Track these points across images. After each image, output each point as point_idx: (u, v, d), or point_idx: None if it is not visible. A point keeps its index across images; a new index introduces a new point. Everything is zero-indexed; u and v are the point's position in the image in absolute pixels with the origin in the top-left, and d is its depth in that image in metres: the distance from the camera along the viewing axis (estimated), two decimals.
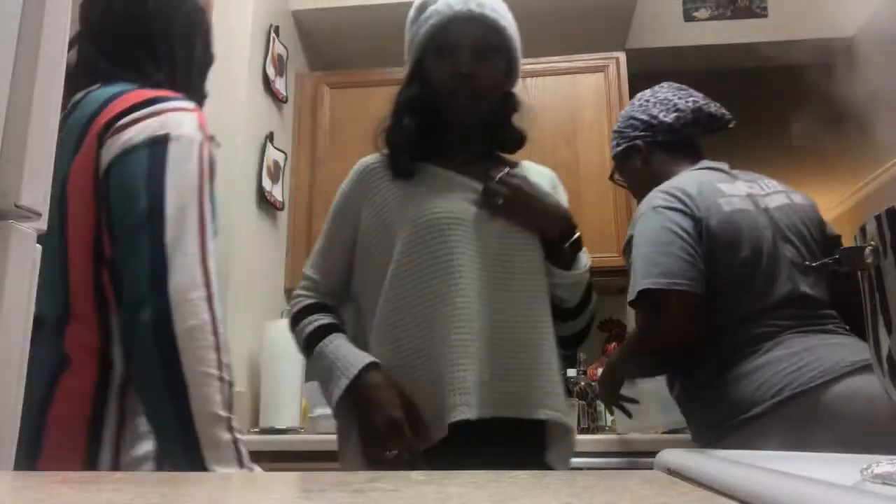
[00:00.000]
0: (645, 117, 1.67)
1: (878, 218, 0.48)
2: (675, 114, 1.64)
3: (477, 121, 1.28)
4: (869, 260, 0.48)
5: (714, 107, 1.66)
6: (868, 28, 2.91)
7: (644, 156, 1.67)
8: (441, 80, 1.23)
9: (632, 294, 1.44)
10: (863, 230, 0.50)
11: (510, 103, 1.33)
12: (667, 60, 3.15)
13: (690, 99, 1.66)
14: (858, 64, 3.12)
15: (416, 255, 1.17)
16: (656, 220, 1.46)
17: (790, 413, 1.29)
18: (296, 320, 1.26)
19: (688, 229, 1.43)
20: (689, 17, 3.11)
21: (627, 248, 1.54)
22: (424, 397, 1.12)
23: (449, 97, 1.23)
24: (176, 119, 0.98)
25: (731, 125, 1.66)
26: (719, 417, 1.40)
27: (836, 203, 5.64)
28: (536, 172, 1.36)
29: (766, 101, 3.78)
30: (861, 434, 1.20)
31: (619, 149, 1.72)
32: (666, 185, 1.54)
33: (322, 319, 1.23)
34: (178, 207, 0.91)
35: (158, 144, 0.94)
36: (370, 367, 1.13)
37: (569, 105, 2.63)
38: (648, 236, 1.45)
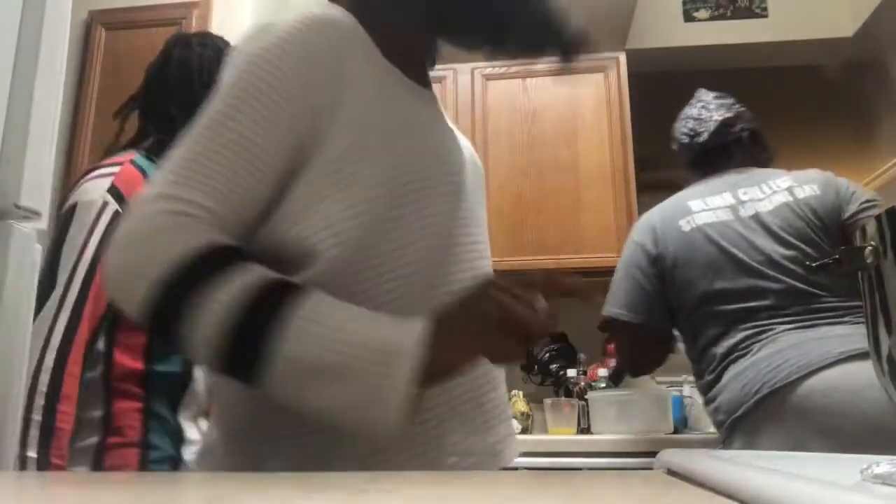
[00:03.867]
0: (675, 133, 1.80)
1: (878, 218, 0.48)
2: (684, 135, 1.76)
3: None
4: (869, 260, 0.48)
5: (705, 131, 1.71)
6: (868, 28, 2.91)
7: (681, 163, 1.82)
8: None
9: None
10: (863, 230, 0.50)
11: None
12: (667, 61, 3.15)
13: (690, 122, 1.76)
14: (858, 64, 3.12)
15: (454, 225, 0.76)
16: (625, 250, 1.72)
17: (768, 410, 1.33)
18: (192, 274, 0.59)
19: (641, 262, 1.64)
20: (689, 18, 3.10)
21: None
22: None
23: None
24: (85, 185, 1.19)
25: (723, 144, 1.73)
26: (719, 419, 1.46)
27: None
28: None
29: (766, 101, 3.78)
30: (843, 426, 1.22)
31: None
32: (646, 215, 1.73)
33: (264, 273, 0.62)
34: (65, 269, 1.12)
35: (63, 215, 1.17)
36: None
37: (569, 105, 2.63)
38: (619, 264, 1.73)
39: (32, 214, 1.27)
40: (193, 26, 2.35)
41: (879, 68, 3.02)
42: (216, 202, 0.63)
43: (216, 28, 2.40)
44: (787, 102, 3.93)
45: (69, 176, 2.25)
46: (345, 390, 0.56)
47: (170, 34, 2.36)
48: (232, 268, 0.59)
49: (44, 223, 1.34)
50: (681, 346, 1.70)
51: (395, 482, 0.45)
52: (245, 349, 0.57)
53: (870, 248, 0.48)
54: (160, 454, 1.17)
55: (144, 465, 1.15)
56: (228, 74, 0.69)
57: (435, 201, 0.73)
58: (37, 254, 1.32)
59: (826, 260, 0.55)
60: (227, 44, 1.38)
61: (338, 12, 0.72)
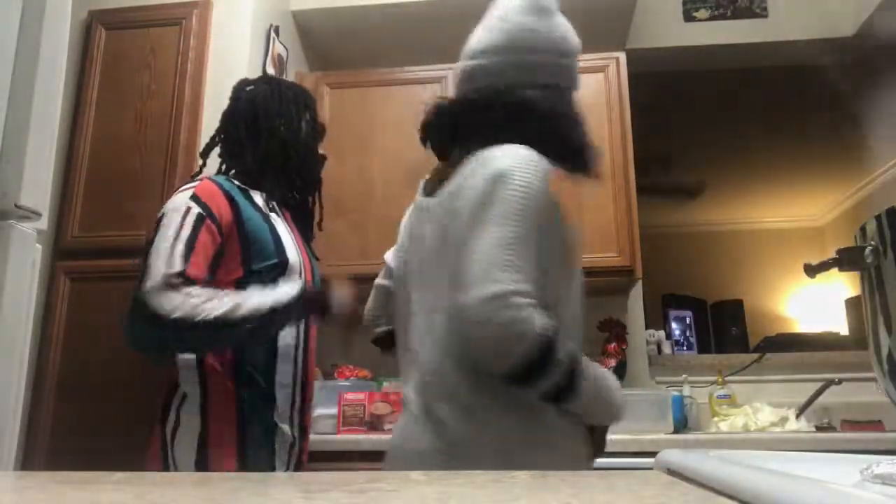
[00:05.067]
0: None
1: (878, 218, 0.48)
2: None
3: None
4: (869, 260, 0.48)
5: None
6: (868, 28, 2.91)
7: None
8: (574, 113, 1.31)
9: None
10: (863, 230, 0.50)
11: None
12: (667, 60, 3.15)
13: None
14: (858, 64, 3.12)
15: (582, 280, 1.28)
16: None
17: None
18: (552, 346, 1.03)
19: None
20: (689, 17, 3.10)
21: None
22: None
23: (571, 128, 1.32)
24: (171, 199, 1.42)
25: None
26: None
27: (835, 204, 5.64)
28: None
29: (766, 101, 3.79)
30: None
31: None
32: None
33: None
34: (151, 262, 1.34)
35: (156, 222, 1.39)
36: None
37: None
38: None
39: (32, 214, 1.27)
40: (194, 26, 2.35)
41: (879, 68, 3.02)
42: (538, 291, 1.04)
43: (216, 28, 2.40)
44: (786, 102, 3.93)
45: (69, 176, 2.25)
46: (603, 408, 1.14)
47: (170, 34, 2.38)
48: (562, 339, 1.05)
49: (44, 223, 1.33)
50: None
51: (395, 482, 0.45)
52: (570, 388, 1.05)
53: (870, 248, 0.48)
54: (255, 437, 1.36)
55: (242, 443, 1.34)
56: (508, 202, 1.08)
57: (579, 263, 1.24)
58: (37, 254, 1.32)
59: (826, 260, 0.55)
60: (283, 80, 1.66)
61: (536, 154, 1.15)
